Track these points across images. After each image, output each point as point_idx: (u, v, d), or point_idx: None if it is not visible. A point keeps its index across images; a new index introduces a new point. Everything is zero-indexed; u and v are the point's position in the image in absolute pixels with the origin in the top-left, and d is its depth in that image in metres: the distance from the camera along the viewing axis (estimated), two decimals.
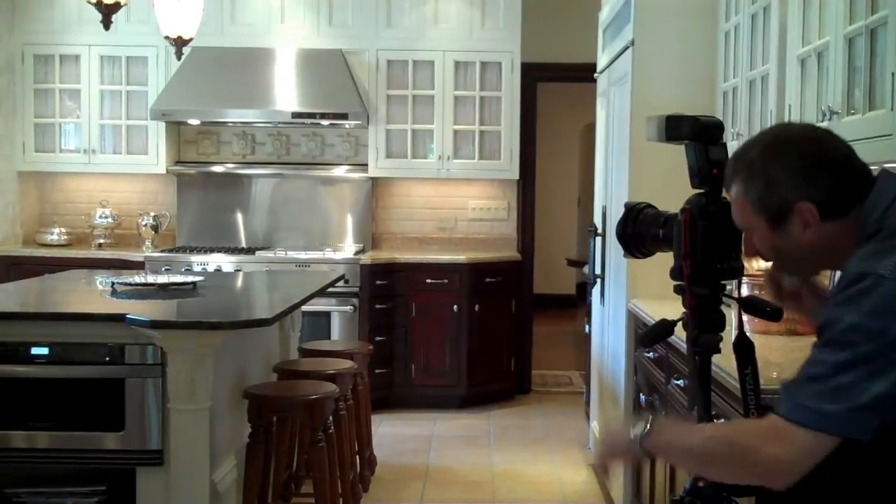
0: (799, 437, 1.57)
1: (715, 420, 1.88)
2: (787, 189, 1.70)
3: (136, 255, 6.59)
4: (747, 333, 1.91)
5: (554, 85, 8.39)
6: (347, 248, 6.91)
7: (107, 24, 4.80)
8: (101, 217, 7.00)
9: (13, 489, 3.79)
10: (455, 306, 6.65)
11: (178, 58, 5.38)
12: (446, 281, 6.66)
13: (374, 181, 7.15)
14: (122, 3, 4.78)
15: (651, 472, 3.81)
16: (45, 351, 3.68)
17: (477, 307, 6.71)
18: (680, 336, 1.87)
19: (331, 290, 5.30)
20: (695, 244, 1.86)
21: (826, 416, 1.55)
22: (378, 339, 6.41)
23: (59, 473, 3.84)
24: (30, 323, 3.76)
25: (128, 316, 3.58)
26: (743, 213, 1.77)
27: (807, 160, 1.70)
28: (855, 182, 1.70)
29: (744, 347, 1.87)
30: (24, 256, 6.71)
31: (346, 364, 4.57)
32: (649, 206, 2.04)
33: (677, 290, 1.91)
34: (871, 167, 1.77)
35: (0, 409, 3.69)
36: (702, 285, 1.87)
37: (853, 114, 2.61)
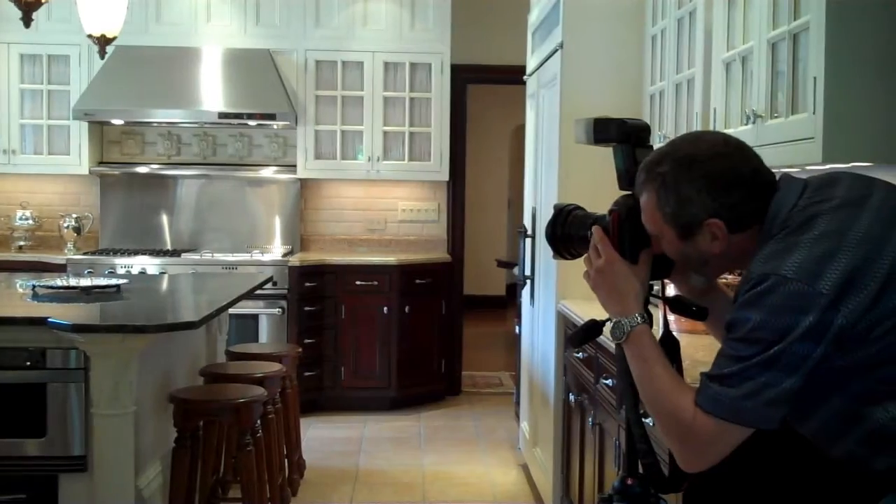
0: (713, 427, 1.67)
1: (643, 419, 1.89)
2: (696, 207, 1.77)
3: (57, 258, 6.44)
4: (673, 332, 1.94)
5: (484, 86, 8.41)
6: (276, 250, 6.85)
7: (27, 21, 4.68)
8: (21, 219, 6.83)
9: None
10: (385, 308, 6.64)
11: (102, 57, 5.28)
12: (376, 283, 6.64)
13: (303, 182, 7.09)
14: (42, 1, 4.67)
15: (580, 471, 3.84)
16: None
17: (407, 308, 6.70)
18: (608, 336, 1.89)
19: (259, 292, 5.24)
20: (623, 245, 1.88)
21: (740, 410, 1.65)
22: (307, 341, 6.36)
23: None
24: None
25: (49, 319, 3.50)
26: (653, 221, 1.84)
27: (716, 179, 1.77)
28: (761, 195, 1.78)
29: (669, 345, 1.89)
30: None
31: (275, 367, 4.52)
32: (578, 207, 2.05)
33: None
34: (789, 170, 1.82)
35: None
36: None
37: (776, 117, 2.65)
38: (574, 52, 4.36)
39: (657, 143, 3.67)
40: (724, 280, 2.26)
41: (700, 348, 2.84)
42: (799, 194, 1.75)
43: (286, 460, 4.88)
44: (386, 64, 6.93)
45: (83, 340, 3.51)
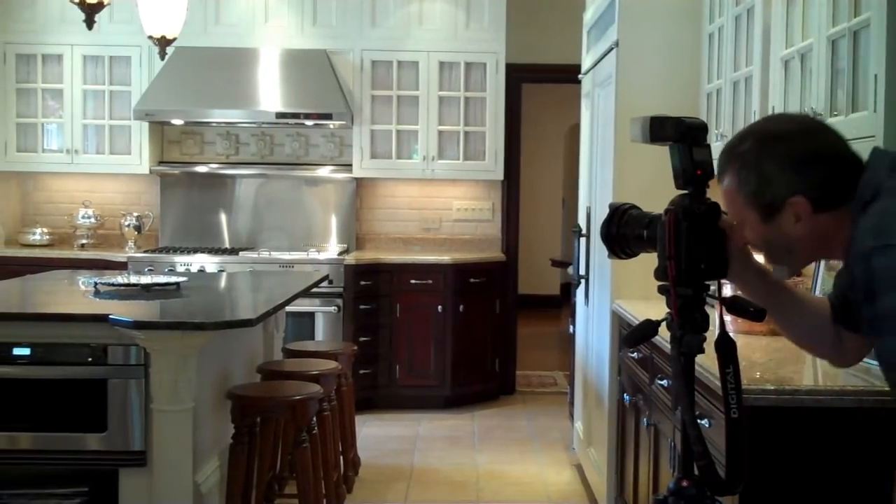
0: None
1: (699, 421, 1.88)
2: (779, 184, 1.71)
3: (118, 256, 6.56)
4: (730, 333, 1.92)
5: (538, 86, 8.39)
6: (331, 249, 6.90)
7: (90, 23, 4.78)
8: (83, 217, 6.96)
9: None
10: (439, 307, 6.65)
11: (162, 58, 5.36)
12: (430, 281, 6.66)
13: (359, 181, 7.14)
14: (105, 3, 4.76)
15: (634, 472, 3.82)
16: (26, 352, 3.67)
17: (461, 307, 6.71)
18: (664, 336, 1.88)
19: (315, 290, 5.29)
20: (679, 245, 1.86)
21: None
22: (362, 339, 6.40)
23: (41, 475, 3.81)
24: (12, 323, 3.74)
25: (111, 316, 3.56)
26: (734, 205, 1.79)
27: (799, 155, 1.71)
28: (847, 173, 1.71)
29: (726, 347, 1.87)
30: (6, 257, 6.66)
31: (331, 365, 4.56)
32: (634, 206, 2.04)
33: (661, 290, 1.91)
34: None
35: None
36: (686, 286, 1.87)
37: (836, 115, 2.62)
38: (630, 50, 4.33)
39: (714, 141, 3.65)
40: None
41: (757, 349, 2.82)
42: (891, 166, 1.68)
43: (341, 457, 4.91)
44: (441, 63, 6.94)
45: (143, 337, 3.57)
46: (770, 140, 1.74)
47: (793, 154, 1.71)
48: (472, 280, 6.79)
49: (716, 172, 1.83)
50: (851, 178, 1.70)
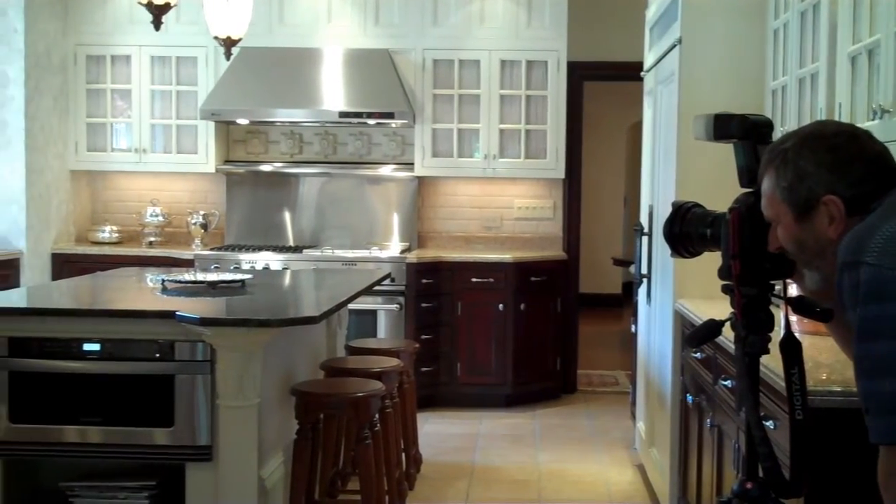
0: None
1: (764, 422, 1.86)
2: (815, 181, 1.70)
3: (185, 253, 6.68)
4: (796, 334, 1.90)
5: (600, 83, 8.35)
6: (393, 247, 6.94)
7: (157, 24, 4.87)
8: (151, 215, 7.09)
9: (67, 483, 3.86)
10: (500, 305, 6.66)
11: (227, 58, 5.45)
12: (492, 280, 6.67)
13: (420, 180, 7.17)
14: (172, 4, 4.84)
15: (698, 473, 3.79)
16: (96, 347, 3.74)
17: (522, 306, 6.71)
18: (728, 336, 1.86)
19: (377, 288, 5.33)
20: (743, 244, 1.85)
21: None
22: (424, 337, 6.43)
23: (111, 468, 3.90)
24: (82, 319, 3.82)
25: (178, 313, 3.62)
26: (771, 203, 1.77)
27: (837, 154, 1.70)
28: (885, 181, 1.69)
29: (791, 347, 1.85)
30: (77, 254, 6.83)
31: (393, 362, 4.59)
32: (697, 205, 2.03)
33: (725, 289, 1.90)
34: None
35: (54, 404, 3.76)
36: (750, 285, 1.86)
37: None
38: (693, 47, 4.29)
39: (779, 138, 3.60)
40: None
41: (823, 350, 2.78)
42: None
43: (403, 455, 4.94)
44: (502, 62, 6.94)
45: (210, 334, 3.63)
46: (811, 139, 1.73)
47: (831, 153, 1.69)
48: (533, 279, 6.79)
49: (759, 172, 1.81)
50: (887, 186, 1.68)
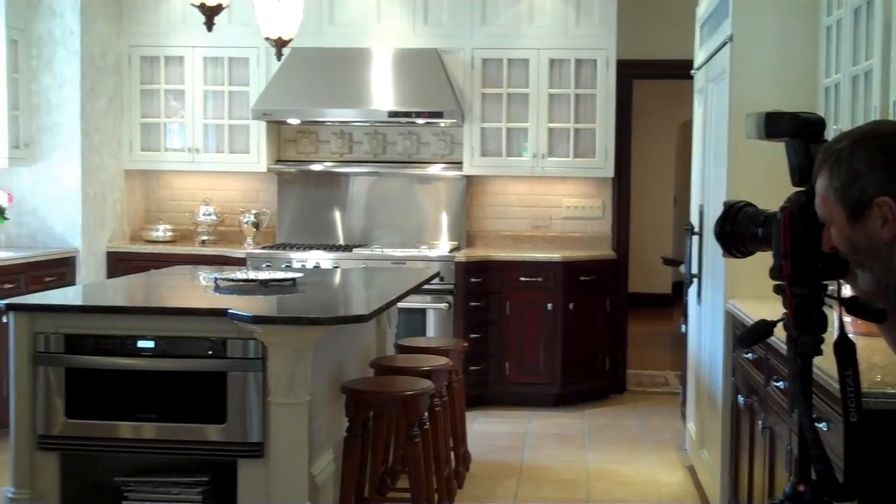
0: None
1: (817, 424, 1.84)
2: (868, 182, 1.67)
3: (237, 252, 6.75)
4: (850, 335, 1.88)
5: (650, 82, 8.31)
6: (442, 246, 6.96)
7: (209, 25, 4.92)
8: (204, 214, 7.18)
9: (122, 478, 3.92)
10: (549, 304, 6.65)
11: (279, 58, 5.50)
12: (540, 279, 6.66)
13: (469, 179, 7.18)
14: (224, 6, 4.90)
15: (749, 475, 3.76)
16: (150, 344, 3.81)
17: (571, 305, 6.69)
18: (779, 337, 1.85)
19: (426, 287, 5.35)
20: (795, 243, 1.83)
21: None
22: (472, 336, 6.44)
23: (164, 464, 3.96)
24: (137, 317, 3.89)
25: (230, 311, 3.67)
26: (825, 203, 1.75)
27: (891, 155, 1.67)
28: None
29: (845, 348, 1.83)
30: (131, 252, 6.93)
31: (442, 361, 4.61)
32: (748, 204, 2.02)
33: (777, 290, 1.88)
34: None
35: (109, 400, 3.83)
36: (802, 285, 1.84)
37: None
38: (744, 44, 4.25)
39: (832, 137, 3.56)
40: None
41: (878, 351, 2.74)
42: None
43: (452, 453, 4.96)
44: (551, 61, 6.93)
45: (261, 331, 3.67)
46: (865, 139, 1.71)
47: (885, 154, 1.67)
48: (582, 278, 6.77)
49: (813, 172, 1.79)
50: None
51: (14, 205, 6.47)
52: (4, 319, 3.95)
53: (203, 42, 6.87)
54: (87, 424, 3.83)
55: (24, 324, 3.84)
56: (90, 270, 6.71)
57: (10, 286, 5.72)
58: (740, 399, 3.93)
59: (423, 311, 6.48)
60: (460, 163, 7.07)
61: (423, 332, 6.43)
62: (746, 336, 1.99)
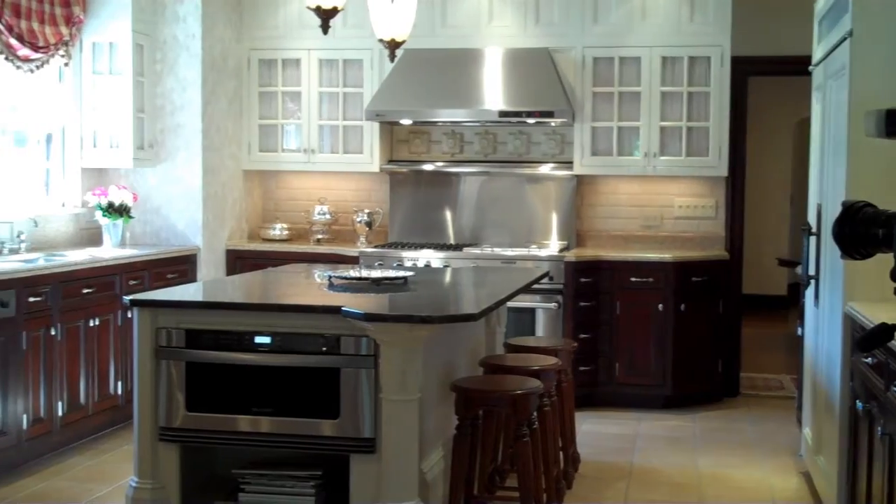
0: None
1: None
2: None
3: (351, 251, 6.88)
4: None
5: (765, 79, 8.14)
6: (552, 246, 6.95)
7: (325, 28, 5.01)
8: (319, 213, 7.33)
9: (239, 470, 4.04)
10: (660, 305, 6.58)
11: (392, 60, 5.57)
12: (651, 279, 6.59)
13: (579, 179, 7.15)
14: (339, 8, 4.99)
15: (867, 483, 3.66)
16: (267, 340, 3.91)
17: (682, 307, 6.61)
18: None
19: (535, 286, 5.35)
20: None
21: None
22: (582, 336, 6.42)
23: (280, 457, 4.06)
24: (254, 314, 4.00)
25: (343, 308, 3.74)
26: None
27: None
28: None
29: None
30: (249, 250, 7.13)
31: (551, 360, 4.61)
32: (869, 204, 1.98)
33: None
34: None
35: (228, 394, 3.95)
36: None
37: None
38: (864, 40, 4.13)
39: None
40: None
41: None
42: None
43: (561, 453, 4.95)
44: (664, 59, 6.85)
45: (374, 329, 3.74)
46: None
47: None
48: (694, 279, 6.67)
49: None
50: None
51: (139, 204, 6.73)
52: (129, 315, 4.11)
53: (319, 45, 7.03)
54: (205, 417, 3.96)
55: (146, 319, 4.00)
56: (210, 268, 6.93)
57: (134, 283, 5.95)
58: (859, 404, 3.83)
59: (532, 311, 6.49)
60: (571, 162, 7.05)
61: (532, 332, 6.44)
62: (866, 339, 1.96)
